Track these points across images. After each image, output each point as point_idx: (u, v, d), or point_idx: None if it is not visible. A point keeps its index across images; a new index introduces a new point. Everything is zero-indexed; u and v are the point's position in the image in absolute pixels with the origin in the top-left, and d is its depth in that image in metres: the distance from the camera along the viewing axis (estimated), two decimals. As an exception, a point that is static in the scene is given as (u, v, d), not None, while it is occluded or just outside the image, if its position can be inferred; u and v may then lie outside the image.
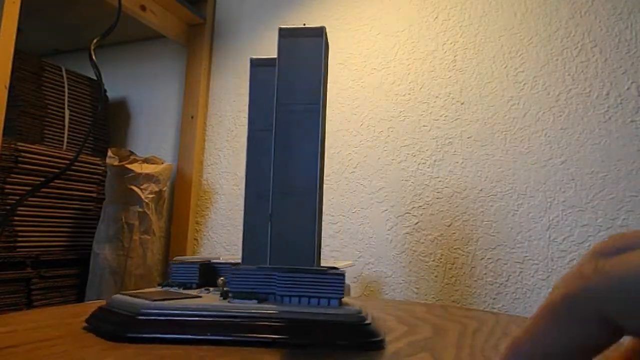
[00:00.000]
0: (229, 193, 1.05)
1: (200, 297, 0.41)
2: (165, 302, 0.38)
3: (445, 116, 0.88)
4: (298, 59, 0.44)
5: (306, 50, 0.44)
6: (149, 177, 0.93)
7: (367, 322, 0.37)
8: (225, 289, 0.41)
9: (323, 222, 0.95)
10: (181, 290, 0.45)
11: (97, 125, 1.08)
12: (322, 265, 0.42)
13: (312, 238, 0.41)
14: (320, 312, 0.36)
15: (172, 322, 0.36)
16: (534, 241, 0.78)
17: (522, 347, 0.15)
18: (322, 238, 0.95)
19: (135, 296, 0.40)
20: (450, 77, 0.88)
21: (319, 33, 0.44)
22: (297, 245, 0.41)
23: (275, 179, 0.42)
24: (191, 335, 0.35)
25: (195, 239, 1.07)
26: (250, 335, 0.35)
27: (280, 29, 0.45)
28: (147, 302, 0.38)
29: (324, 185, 0.95)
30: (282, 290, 0.38)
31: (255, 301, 0.38)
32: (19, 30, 0.72)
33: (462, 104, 0.87)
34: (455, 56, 0.88)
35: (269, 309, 0.37)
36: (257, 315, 0.36)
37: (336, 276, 0.37)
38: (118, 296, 0.41)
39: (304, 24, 0.45)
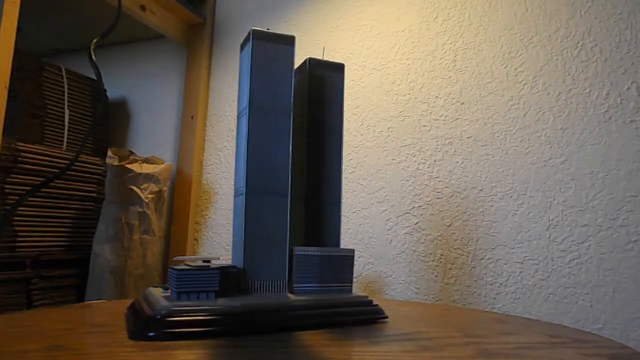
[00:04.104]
0: (229, 193, 1.05)
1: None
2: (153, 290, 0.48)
3: (445, 116, 0.88)
4: (245, 67, 0.49)
5: (245, 58, 0.49)
6: (149, 177, 0.93)
7: (172, 316, 0.39)
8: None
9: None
10: None
11: (97, 125, 1.08)
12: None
13: (241, 238, 0.47)
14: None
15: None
16: (534, 241, 0.78)
17: None
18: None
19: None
20: (450, 77, 0.88)
21: (248, 38, 0.48)
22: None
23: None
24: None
25: (195, 239, 1.07)
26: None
27: (241, 44, 0.51)
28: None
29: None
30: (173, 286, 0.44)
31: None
32: (19, 30, 0.71)
33: (462, 104, 0.87)
34: (455, 56, 0.88)
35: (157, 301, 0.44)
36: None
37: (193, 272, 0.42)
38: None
39: (267, 29, 0.49)
